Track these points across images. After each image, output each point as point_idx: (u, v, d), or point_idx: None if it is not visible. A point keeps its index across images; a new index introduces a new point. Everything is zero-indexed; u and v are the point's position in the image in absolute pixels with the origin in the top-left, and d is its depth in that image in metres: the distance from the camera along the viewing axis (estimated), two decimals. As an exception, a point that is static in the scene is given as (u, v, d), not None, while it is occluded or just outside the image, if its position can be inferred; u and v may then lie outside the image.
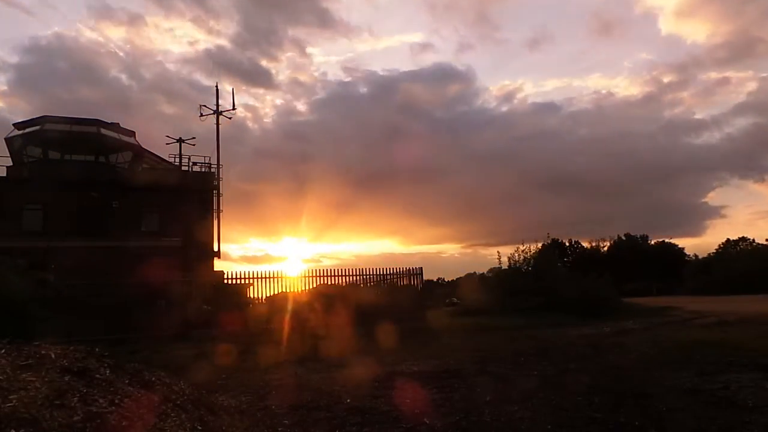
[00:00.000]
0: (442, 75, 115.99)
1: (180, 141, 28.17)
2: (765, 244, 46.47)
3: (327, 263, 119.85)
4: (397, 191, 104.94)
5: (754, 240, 50.89)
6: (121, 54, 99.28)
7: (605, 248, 57.74)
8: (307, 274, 20.34)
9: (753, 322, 14.13)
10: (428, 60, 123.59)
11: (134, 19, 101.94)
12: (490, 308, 22.22)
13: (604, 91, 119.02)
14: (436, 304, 39.48)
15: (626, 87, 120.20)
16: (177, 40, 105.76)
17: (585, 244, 58.87)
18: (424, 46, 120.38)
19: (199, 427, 3.81)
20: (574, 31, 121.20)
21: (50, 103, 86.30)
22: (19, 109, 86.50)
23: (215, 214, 26.89)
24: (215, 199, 26.86)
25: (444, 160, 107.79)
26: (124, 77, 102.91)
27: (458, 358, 9.56)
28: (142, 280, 18.39)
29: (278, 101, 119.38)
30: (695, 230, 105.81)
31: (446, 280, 71.68)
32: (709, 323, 14.66)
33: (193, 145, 28.51)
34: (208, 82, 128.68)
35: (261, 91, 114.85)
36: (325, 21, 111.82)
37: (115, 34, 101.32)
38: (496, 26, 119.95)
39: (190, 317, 18.16)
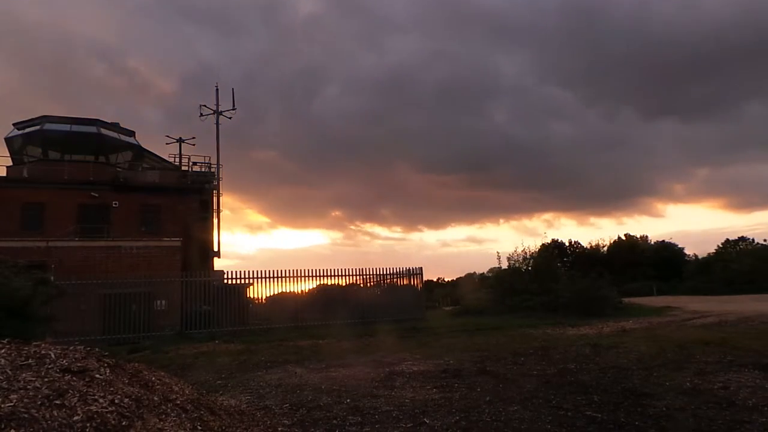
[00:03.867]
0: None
1: (180, 141, 28.18)
2: (765, 245, 46.41)
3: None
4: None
5: (753, 240, 50.83)
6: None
7: (605, 248, 57.69)
8: (307, 274, 20.34)
9: (753, 322, 14.13)
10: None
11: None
12: (490, 308, 22.25)
13: None
14: (436, 303, 39.64)
15: None
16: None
17: (585, 244, 58.81)
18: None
19: (199, 427, 3.81)
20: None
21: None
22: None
23: (215, 214, 26.95)
24: (215, 198, 26.90)
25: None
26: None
27: (458, 358, 9.56)
28: (142, 280, 18.41)
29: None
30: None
31: (446, 279, 71.97)
32: (709, 323, 14.65)
33: (193, 145, 28.58)
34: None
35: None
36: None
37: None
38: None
39: (190, 317, 18.18)
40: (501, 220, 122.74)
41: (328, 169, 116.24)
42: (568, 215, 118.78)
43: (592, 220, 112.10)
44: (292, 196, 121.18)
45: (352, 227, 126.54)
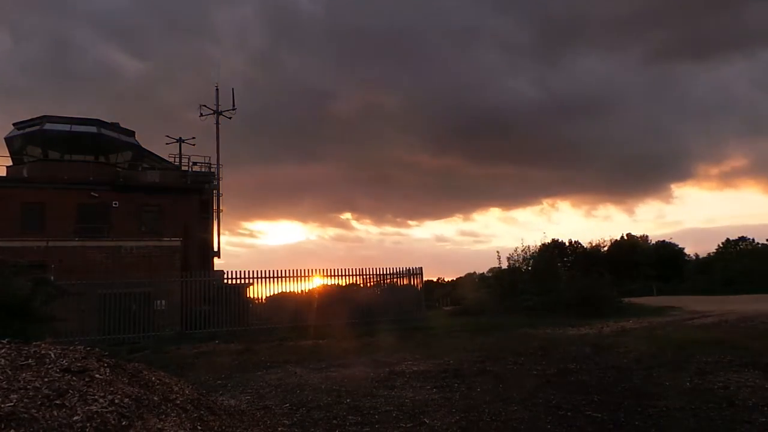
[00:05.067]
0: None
1: (180, 141, 28.17)
2: (765, 244, 46.52)
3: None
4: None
5: (754, 239, 50.93)
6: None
7: (605, 248, 57.73)
8: (307, 274, 20.35)
9: (753, 322, 14.13)
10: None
11: None
12: (490, 308, 22.23)
13: None
14: (436, 303, 39.63)
15: None
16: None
17: (585, 244, 58.86)
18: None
19: (199, 427, 3.81)
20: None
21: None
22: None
23: (215, 214, 26.95)
24: (215, 198, 26.91)
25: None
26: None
27: (458, 358, 9.56)
28: (142, 280, 18.41)
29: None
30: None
31: (446, 279, 72.01)
32: (710, 323, 14.65)
33: (193, 145, 28.57)
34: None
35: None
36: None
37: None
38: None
39: (190, 317, 18.18)
40: (496, 209, 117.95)
41: (290, 144, 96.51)
42: (572, 200, 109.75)
43: (601, 208, 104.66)
44: (252, 179, 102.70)
45: (323, 219, 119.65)
